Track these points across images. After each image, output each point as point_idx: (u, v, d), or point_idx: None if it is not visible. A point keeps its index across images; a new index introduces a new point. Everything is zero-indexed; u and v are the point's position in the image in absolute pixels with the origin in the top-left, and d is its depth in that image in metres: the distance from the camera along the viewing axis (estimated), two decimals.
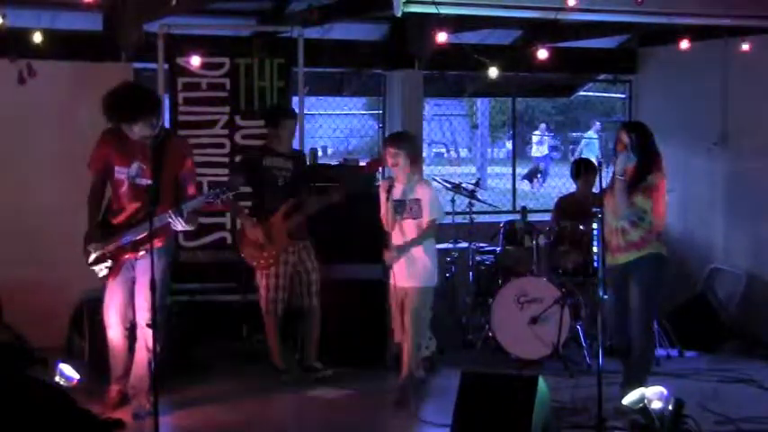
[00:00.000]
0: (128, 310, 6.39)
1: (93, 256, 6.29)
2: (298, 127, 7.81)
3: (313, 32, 8.52)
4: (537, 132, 22.58)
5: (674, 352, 8.03)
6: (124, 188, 6.30)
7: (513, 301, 7.70)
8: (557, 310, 7.52)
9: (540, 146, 22.56)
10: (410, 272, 6.78)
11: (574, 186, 8.66)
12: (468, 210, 8.41)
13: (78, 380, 6.14)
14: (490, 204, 9.48)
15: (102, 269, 6.33)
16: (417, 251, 6.80)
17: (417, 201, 6.79)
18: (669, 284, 6.91)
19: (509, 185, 11.30)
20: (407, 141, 6.91)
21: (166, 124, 8.09)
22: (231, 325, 8.29)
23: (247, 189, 7.47)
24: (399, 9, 6.48)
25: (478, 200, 8.49)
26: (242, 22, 8.95)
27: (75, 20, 8.13)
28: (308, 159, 7.98)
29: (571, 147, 25.19)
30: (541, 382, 5.54)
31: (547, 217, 9.02)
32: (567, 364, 7.50)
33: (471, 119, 24.56)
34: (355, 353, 7.64)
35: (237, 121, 8.32)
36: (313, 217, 7.29)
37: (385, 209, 6.86)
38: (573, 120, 24.96)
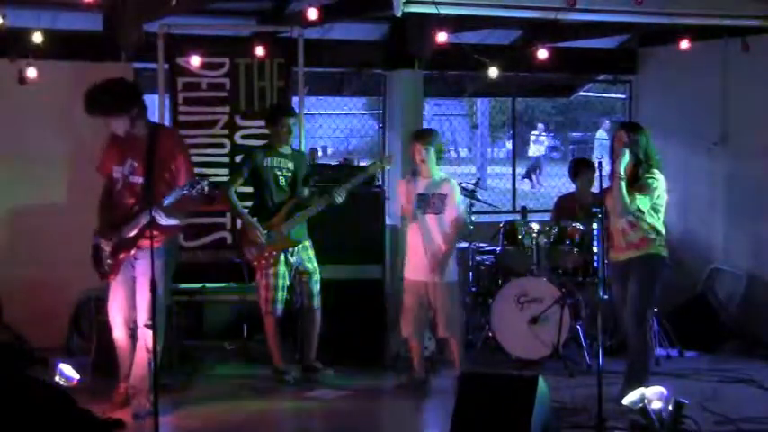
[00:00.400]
0: (130, 310, 6.40)
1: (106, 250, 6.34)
2: (298, 127, 7.82)
3: (313, 32, 8.52)
4: (535, 132, 22.57)
5: (674, 352, 8.03)
6: (119, 186, 6.36)
7: (513, 301, 7.70)
8: (557, 310, 7.52)
9: (538, 145, 22.56)
10: (433, 266, 6.87)
11: (573, 186, 8.67)
12: (468, 210, 8.39)
13: (78, 380, 6.15)
14: (490, 204, 9.47)
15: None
16: (442, 246, 6.88)
17: (442, 196, 6.92)
18: (669, 284, 6.91)
19: (509, 185, 11.30)
20: (434, 138, 7.04)
21: (166, 123, 8.10)
22: (231, 325, 8.29)
23: (248, 189, 7.49)
24: (399, 9, 6.48)
25: (478, 200, 8.49)
26: (242, 22, 8.95)
27: (75, 20, 8.13)
28: (308, 159, 7.98)
29: (571, 147, 25.18)
30: (541, 382, 5.54)
31: (547, 217, 9.02)
32: (566, 364, 7.50)
33: (471, 119, 24.54)
34: (355, 353, 7.64)
35: (237, 121, 8.32)
36: (313, 217, 7.29)
37: (405, 201, 6.92)
38: (573, 120, 24.95)
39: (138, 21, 7.94)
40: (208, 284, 8.28)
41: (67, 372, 6.13)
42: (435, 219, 6.94)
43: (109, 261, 6.31)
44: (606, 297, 6.57)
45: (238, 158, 7.81)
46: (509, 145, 22.68)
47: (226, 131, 8.31)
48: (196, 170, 8.01)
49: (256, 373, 7.47)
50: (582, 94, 13.26)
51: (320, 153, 9.47)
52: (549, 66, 7.72)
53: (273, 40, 8.57)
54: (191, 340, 7.86)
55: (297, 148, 7.82)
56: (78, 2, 6.52)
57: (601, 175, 6.60)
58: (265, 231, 7.14)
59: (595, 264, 7.91)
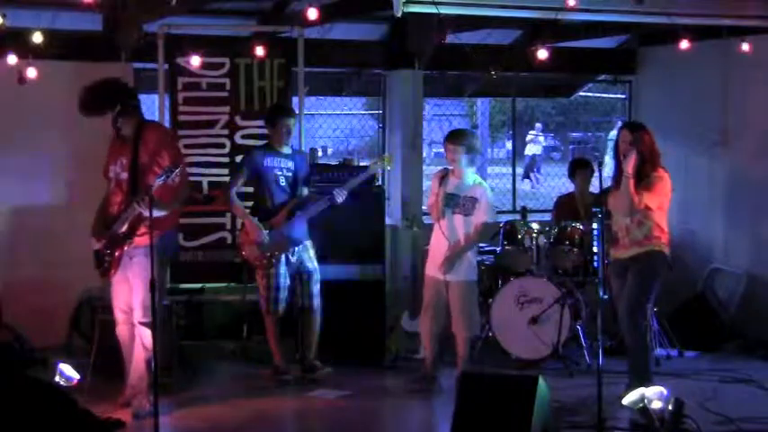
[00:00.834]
0: (129, 309, 6.42)
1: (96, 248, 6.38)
2: (298, 127, 7.82)
3: (313, 32, 8.52)
4: (532, 132, 22.55)
5: (674, 352, 8.03)
6: (113, 184, 6.41)
7: (513, 301, 7.70)
8: (557, 310, 7.52)
9: (534, 144, 22.55)
10: (454, 265, 6.87)
11: (573, 186, 8.67)
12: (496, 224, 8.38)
13: (78, 380, 6.15)
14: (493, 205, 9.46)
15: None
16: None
17: (473, 199, 6.91)
18: (669, 284, 6.92)
19: (509, 185, 11.30)
20: (466, 138, 7.01)
21: (166, 124, 8.11)
22: (231, 325, 8.29)
23: (249, 189, 7.49)
24: (399, 9, 6.48)
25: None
26: (242, 22, 8.95)
27: (75, 20, 8.13)
28: (308, 159, 7.97)
29: (571, 147, 25.17)
30: (541, 382, 5.54)
31: (547, 217, 9.02)
32: (566, 364, 7.50)
33: (471, 119, 24.53)
34: (355, 353, 7.64)
35: (237, 121, 8.32)
36: (314, 217, 7.29)
37: (434, 199, 6.92)
38: (573, 120, 24.93)
39: (138, 21, 7.94)
40: (208, 284, 8.28)
41: (67, 372, 6.12)
42: (462, 220, 6.92)
43: (106, 258, 6.35)
44: (606, 297, 6.57)
45: (238, 158, 7.82)
46: (509, 145, 22.69)
47: (226, 131, 8.31)
48: (196, 170, 8.12)
49: (256, 373, 7.47)
50: (582, 94, 13.26)
51: (320, 153, 9.44)
52: (549, 66, 7.71)
53: (273, 40, 8.57)
54: (191, 340, 7.86)
55: (297, 148, 7.83)
56: (78, 2, 6.51)
57: (600, 176, 6.60)
58: (266, 231, 7.14)
59: (595, 264, 7.91)
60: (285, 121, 7.25)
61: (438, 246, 7.01)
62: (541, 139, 22.90)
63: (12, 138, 7.97)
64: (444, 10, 6.67)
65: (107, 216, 6.40)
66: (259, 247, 7.17)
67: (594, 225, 7.75)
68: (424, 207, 9.16)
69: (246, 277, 7.81)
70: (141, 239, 6.22)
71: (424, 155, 10.68)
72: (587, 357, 7.64)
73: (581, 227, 7.99)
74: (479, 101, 22.31)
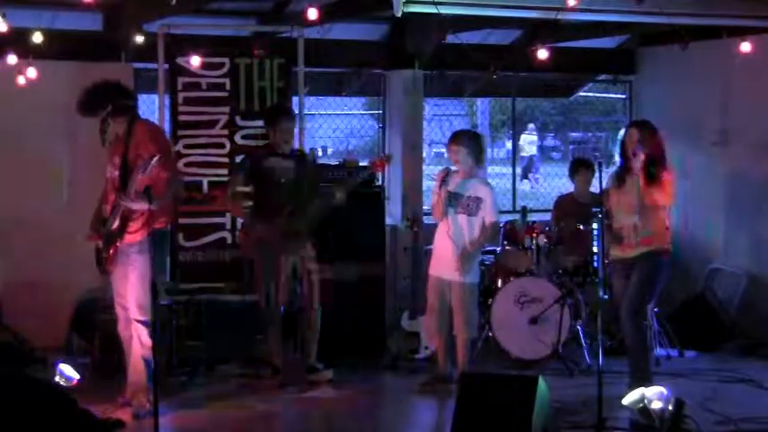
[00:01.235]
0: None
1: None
2: (298, 127, 7.81)
3: (313, 32, 8.52)
4: (526, 132, 22.53)
5: (674, 352, 8.02)
6: (108, 183, 6.45)
7: (513, 301, 7.70)
8: (557, 310, 7.52)
9: (529, 145, 22.53)
10: (456, 265, 6.88)
11: (573, 186, 8.67)
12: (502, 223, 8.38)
13: (78, 380, 6.15)
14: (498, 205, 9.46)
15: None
16: (468, 246, 6.92)
17: (478, 199, 6.91)
18: (669, 284, 6.92)
19: (509, 185, 11.27)
20: (468, 139, 7.03)
21: (166, 124, 8.12)
22: (231, 325, 8.27)
23: (249, 189, 7.49)
24: (399, 9, 6.48)
25: None
26: (242, 22, 8.94)
27: (75, 20, 8.13)
28: (308, 159, 7.97)
29: (571, 147, 25.15)
30: (541, 382, 5.54)
31: (547, 217, 9.01)
32: (567, 364, 7.50)
33: (471, 119, 24.51)
34: (355, 353, 7.64)
35: (237, 121, 8.31)
36: (313, 217, 7.28)
37: (436, 198, 6.92)
38: (573, 120, 24.91)
39: (138, 21, 7.94)
40: (208, 284, 8.28)
41: (67, 372, 6.13)
42: (466, 219, 6.92)
43: (104, 255, 6.38)
44: (606, 297, 6.57)
45: (238, 158, 7.82)
46: (509, 145, 22.64)
47: (226, 131, 8.30)
48: (196, 170, 8.13)
49: (256, 373, 7.46)
50: (582, 94, 13.22)
51: (320, 153, 9.45)
52: (549, 66, 7.71)
53: (273, 40, 8.57)
54: (191, 340, 7.85)
55: (298, 147, 7.83)
56: (78, 2, 6.51)
57: (601, 176, 6.60)
58: (266, 231, 7.14)
59: (595, 264, 7.91)
60: (284, 123, 7.25)
61: (442, 246, 7.01)
62: (534, 138, 22.87)
63: (12, 138, 7.97)
64: (444, 10, 6.66)
65: (103, 214, 6.44)
66: (259, 247, 7.17)
67: (594, 225, 7.75)
68: (424, 207, 9.17)
69: (246, 277, 7.80)
70: (133, 236, 6.25)
71: (424, 155, 10.66)
72: (587, 357, 7.64)
73: (581, 227, 7.98)
74: (479, 101, 22.28)
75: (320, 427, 6.75)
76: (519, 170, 17.90)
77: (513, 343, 7.64)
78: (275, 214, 7.18)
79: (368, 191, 7.77)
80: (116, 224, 6.28)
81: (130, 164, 6.25)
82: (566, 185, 9.62)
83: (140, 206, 6.15)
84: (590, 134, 25.28)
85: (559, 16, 6.85)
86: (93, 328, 7.51)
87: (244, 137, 8.29)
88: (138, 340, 6.31)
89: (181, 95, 8.24)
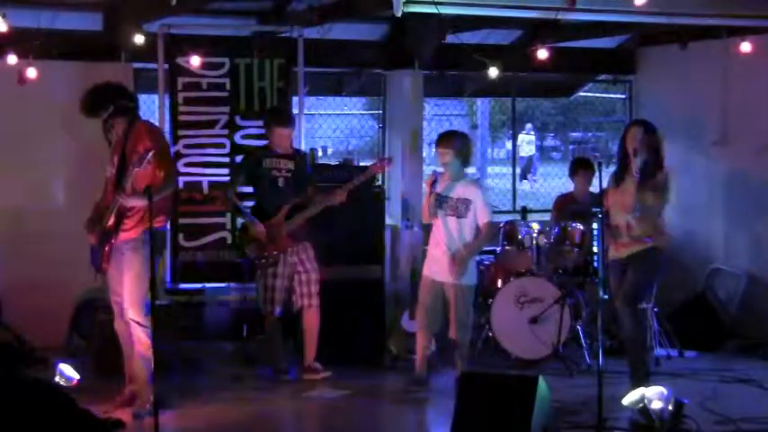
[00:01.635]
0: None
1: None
2: (298, 127, 7.81)
3: (313, 32, 8.52)
4: (524, 133, 22.53)
5: (674, 352, 8.02)
6: (107, 183, 6.46)
7: (513, 301, 7.70)
8: (557, 310, 7.52)
9: (528, 145, 22.53)
10: (451, 267, 6.86)
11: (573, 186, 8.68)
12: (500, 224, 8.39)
13: (78, 380, 6.16)
14: (490, 204, 9.45)
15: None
16: (462, 249, 6.89)
17: (466, 201, 6.86)
18: (669, 284, 6.93)
19: (509, 185, 11.28)
20: (456, 140, 6.98)
21: (166, 124, 8.12)
22: (231, 325, 8.29)
23: (249, 189, 7.50)
24: (399, 9, 6.48)
25: None
26: (242, 22, 8.94)
27: (75, 20, 8.12)
28: (308, 159, 7.97)
29: (571, 147, 25.16)
30: (541, 382, 5.54)
31: (547, 217, 9.02)
32: (567, 364, 7.50)
33: (471, 119, 24.52)
34: (354, 353, 7.64)
35: (237, 121, 8.31)
36: (313, 217, 7.29)
37: (425, 200, 6.92)
38: (573, 120, 24.93)
39: (138, 21, 7.93)
40: (208, 284, 8.28)
41: (67, 372, 6.13)
42: (456, 221, 6.89)
43: (99, 253, 6.39)
44: (606, 297, 6.57)
45: (238, 158, 7.82)
46: (509, 145, 22.66)
47: (226, 131, 8.31)
48: (196, 170, 8.13)
49: (256, 373, 7.47)
50: (582, 94, 13.23)
51: (320, 153, 9.44)
52: (549, 66, 7.71)
53: (273, 40, 8.57)
54: (191, 340, 7.85)
55: (298, 148, 7.84)
56: (78, 1, 6.52)
57: (601, 176, 6.60)
58: (265, 231, 7.15)
59: (595, 264, 7.91)
60: (279, 130, 7.26)
61: (435, 247, 7.01)
62: (532, 138, 22.87)
63: (12, 138, 7.97)
64: (444, 10, 6.66)
65: (100, 213, 6.45)
66: (259, 246, 7.17)
67: (594, 225, 7.75)
68: None
69: (246, 277, 7.81)
70: (128, 233, 6.26)
71: (424, 155, 10.65)
72: (587, 357, 7.64)
73: (581, 227, 7.99)
74: (479, 101, 22.29)
75: (319, 427, 6.75)
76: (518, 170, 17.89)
77: (513, 343, 7.65)
78: (275, 214, 7.19)
79: (368, 191, 7.77)
80: (111, 221, 6.29)
81: (127, 161, 6.27)
82: (566, 185, 9.62)
83: (136, 202, 6.17)
84: (590, 134, 25.30)
85: (559, 16, 6.85)
86: (93, 328, 7.52)
87: (244, 137, 8.30)
88: (138, 340, 6.32)
89: (181, 95, 8.24)
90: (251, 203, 7.44)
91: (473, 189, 6.96)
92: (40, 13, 7.75)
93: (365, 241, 7.86)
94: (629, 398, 5.85)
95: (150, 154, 6.03)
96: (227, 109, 8.30)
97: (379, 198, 8.04)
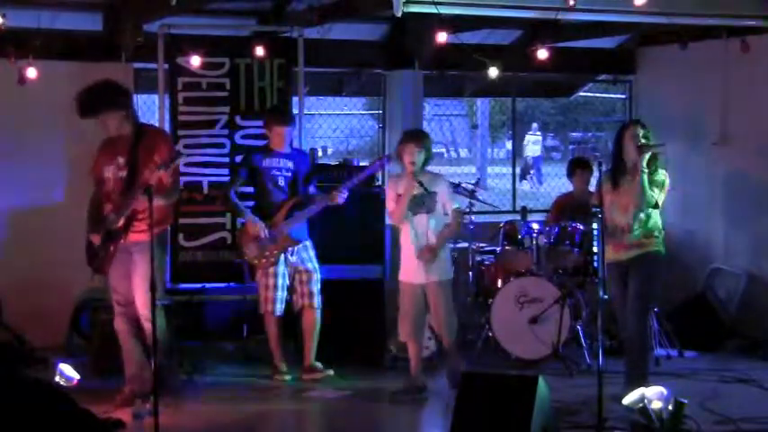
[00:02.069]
0: (128, 303, 6.45)
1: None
2: (298, 127, 7.81)
3: (313, 32, 8.52)
4: (530, 133, 22.54)
5: (674, 352, 8.02)
6: (111, 184, 6.45)
7: (513, 301, 7.70)
8: (557, 310, 7.52)
9: (534, 145, 22.54)
10: (429, 267, 6.81)
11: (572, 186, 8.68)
12: (467, 210, 8.40)
13: (78, 380, 6.15)
14: (490, 204, 9.47)
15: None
16: (432, 240, 6.84)
17: (433, 194, 6.79)
18: (669, 284, 6.93)
19: (509, 185, 11.29)
20: (427, 139, 6.96)
21: (166, 124, 8.12)
22: (231, 325, 8.29)
23: (249, 189, 7.50)
24: (399, 9, 6.48)
25: (478, 200, 8.49)
26: (242, 22, 8.95)
27: (75, 20, 8.13)
28: (309, 159, 7.97)
29: (571, 147, 25.18)
30: (541, 382, 5.54)
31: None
32: (567, 364, 7.50)
33: (471, 119, 24.55)
34: (355, 353, 7.64)
35: (237, 121, 8.31)
36: (313, 217, 7.29)
37: (395, 204, 6.86)
38: (573, 120, 24.95)
39: (138, 21, 7.94)
40: (208, 284, 8.28)
41: (67, 372, 6.13)
42: (426, 218, 6.83)
43: (101, 254, 6.38)
44: (606, 297, 6.57)
45: (238, 158, 7.82)
46: (509, 145, 22.67)
47: (226, 131, 8.31)
48: (196, 170, 8.15)
49: (256, 373, 7.47)
50: (582, 94, 13.26)
51: (320, 153, 9.45)
52: (549, 66, 7.71)
53: (273, 40, 8.57)
54: (191, 340, 7.86)
55: (299, 147, 7.83)
56: (78, 1, 6.52)
57: (600, 176, 6.60)
58: (266, 230, 7.15)
59: (595, 264, 7.91)
60: (278, 130, 7.26)
61: (408, 251, 6.92)
62: (538, 137, 22.88)
63: (11, 138, 7.97)
64: (444, 10, 6.66)
65: (102, 213, 6.44)
66: (258, 246, 7.17)
67: (594, 225, 7.75)
68: None
69: (247, 277, 7.81)
70: (138, 235, 6.26)
71: None
72: (587, 357, 7.64)
73: (581, 227, 7.99)
74: (479, 101, 22.31)
75: (319, 427, 6.75)
76: (518, 170, 17.90)
77: (513, 343, 7.64)
78: (275, 214, 7.19)
79: (368, 191, 7.77)
80: (120, 223, 6.28)
81: (140, 165, 6.25)
82: (566, 185, 9.62)
83: (159, 202, 6.15)
84: (590, 134, 25.32)
85: (559, 16, 6.85)
86: (92, 328, 7.52)
87: (244, 137, 8.29)
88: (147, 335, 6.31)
89: (181, 95, 8.24)
90: (251, 203, 7.44)
91: (436, 180, 6.92)
92: (39, 13, 7.76)
93: (365, 241, 7.85)
94: (629, 398, 5.85)
95: (178, 160, 6.10)
96: (227, 109, 8.30)
97: (379, 198, 8.03)
